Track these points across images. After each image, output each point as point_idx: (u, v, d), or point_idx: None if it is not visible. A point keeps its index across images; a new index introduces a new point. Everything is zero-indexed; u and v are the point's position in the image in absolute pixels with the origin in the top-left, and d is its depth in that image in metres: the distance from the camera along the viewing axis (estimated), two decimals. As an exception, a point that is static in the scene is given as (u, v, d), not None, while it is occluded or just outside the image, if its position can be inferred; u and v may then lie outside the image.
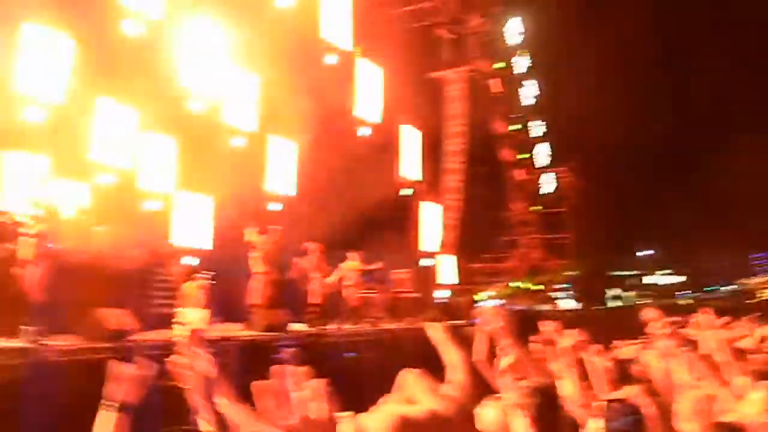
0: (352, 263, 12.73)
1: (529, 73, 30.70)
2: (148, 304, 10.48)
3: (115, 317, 8.34)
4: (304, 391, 1.52)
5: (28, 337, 7.55)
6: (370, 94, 15.63)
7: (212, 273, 12.27)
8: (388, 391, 3.17)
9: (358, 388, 3.90)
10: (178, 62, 12.01)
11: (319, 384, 1.68)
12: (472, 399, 2.77)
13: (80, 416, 6.74)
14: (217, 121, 12.79)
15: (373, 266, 13.03)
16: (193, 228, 12.97)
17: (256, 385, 1.58)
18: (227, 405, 2.39)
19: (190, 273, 12.38)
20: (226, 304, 12.36)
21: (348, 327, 12.08)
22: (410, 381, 2.69)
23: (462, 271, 21.12)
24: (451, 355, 2.83)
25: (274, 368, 2.16)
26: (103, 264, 9.55)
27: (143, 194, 12.19)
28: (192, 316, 2.55)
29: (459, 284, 20.68)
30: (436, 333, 2.97)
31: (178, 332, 2.41)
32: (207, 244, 13.09)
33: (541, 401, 2.89)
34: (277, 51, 12.63)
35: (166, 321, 10.73)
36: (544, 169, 31.13)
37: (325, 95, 13.77)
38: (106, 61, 11.03)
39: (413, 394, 2.63)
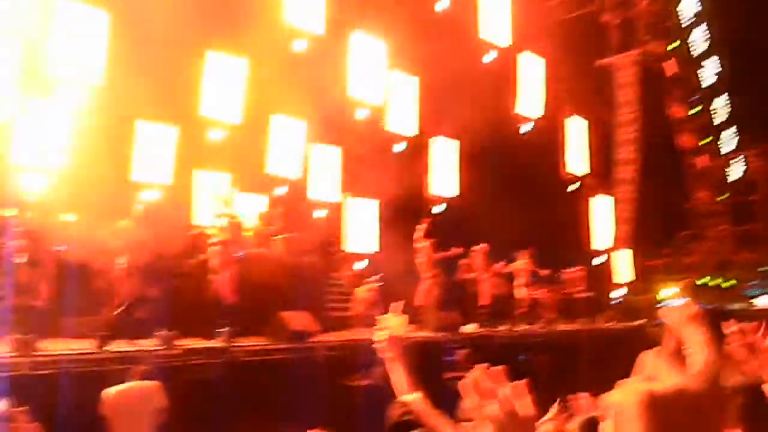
0: (522, 263, 12.44)
1: (709, 51, 28.05)
2: (325, 307, 10.97)
3: (298, 319, 8.82)
4: (506, 388, 1.54)
5: (221, 339, 8.24)
6: (532, 88, 15.22)
7: (379, 275, 12.65)
8: (566, 394, 3.00)
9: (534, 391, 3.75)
10: (343, 74, 12.49)
11: (520, 383, 1.70)
12: (718, 375, 2.55)
13: (268, 411, 7.21)
14: (381, 127, 13.12)
15: (542, 271, 12.65)
16: (361, 233, 13.43)
17: (463, 383, 1.64)
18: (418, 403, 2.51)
19: (361, 276, 12.85)
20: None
21: (520, 328, 11.80)
22: (650, 360, 2.52)
23: (639, 268, 19.79)
24: (693, 334, 2.61)
25: (478, 366, 2.17)
26: (283, 269, 10.16)
27: (314, 203, 12.81)
28: (392, 322, 2.62)
29: (636, 282, 19.43)
30: (673, 315, 2.75)
31: (378, 336, 2.53)
32: (374, 247, 13.48)
33: (745, 402, 2.63)
34: (436, 53, 12.69)
35: (342, 323, 11.22)
36: (731, 154, 28.32)
37: (486, 94, 13.60)
38: (276, 79, 11.74)
39: (655, 372, 2.47)
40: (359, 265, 13.10)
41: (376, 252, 13.47)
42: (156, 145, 10.89)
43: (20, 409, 1.72)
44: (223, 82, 11.41)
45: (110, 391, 5.88)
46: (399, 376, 2.59)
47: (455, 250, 11.50)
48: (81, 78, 9.80)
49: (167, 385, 6.19)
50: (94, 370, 6.99)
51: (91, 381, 6.49)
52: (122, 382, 6.05)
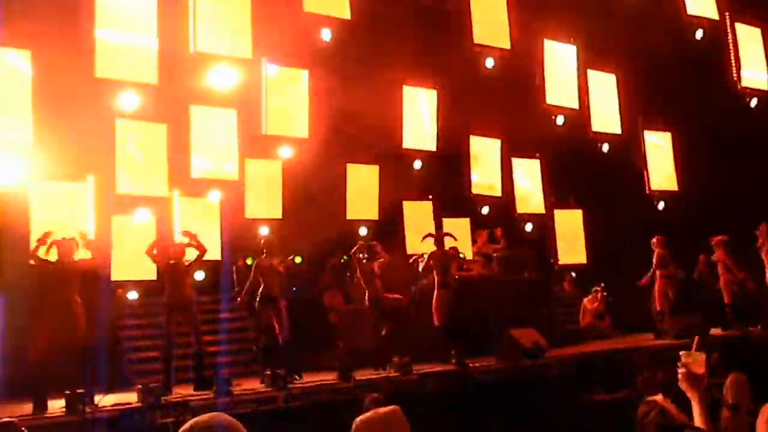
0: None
1: None
2: (551, 321, 10.58)
3: (527, 336, 8.58)
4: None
5: (455, 361, 8.24)
6: (754, 60, 13.66)
7: (602, 285, 11.96)
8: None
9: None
10: (536, 84, 12.21)
11: None
12: None
13: (507, 428, 6.99)
14: (583, 131, 12.57)
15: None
16: (570, 243, 12.85)
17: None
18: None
19: (582, 287, 12.26)
20: (624, 313, 11.86)
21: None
22: None
23: None
24: None
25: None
26: (505, 287, 10.00)
27: (522, 217, 12.51)
28: (692, 358, 2.60)
29: None
30: None
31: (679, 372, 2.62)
32: (582, 258, 12.82)
33: None
34: (634, 43, 11.94)
35: (570, 337, 10.72)
36: None
37: (700, 75, 12.46)
38: (470, 102, 11.78)
39: None
40: (573, 275, 12.52)
41: (588, 263, 12.80)
42: (364, 184, 11.40)
43: None
44: (420, 113, 11.71)
45: (358, 420, 6.06)
46: (695, 411, 2.66)
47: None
48: (290, 133, 10.61)
49: (407, 410, 6.26)
50: (339, 399, 7.33)
51: (337, 410, 6.78)
52: (363, 409, 6.21)
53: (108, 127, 8.99)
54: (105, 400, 6.49)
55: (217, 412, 1.74)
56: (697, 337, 2.82)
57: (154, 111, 9.23)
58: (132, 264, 9.09)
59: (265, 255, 8.48)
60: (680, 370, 2.66)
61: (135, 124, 9.28)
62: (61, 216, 8.50)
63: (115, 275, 8.99)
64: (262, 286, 8.29)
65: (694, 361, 2.64)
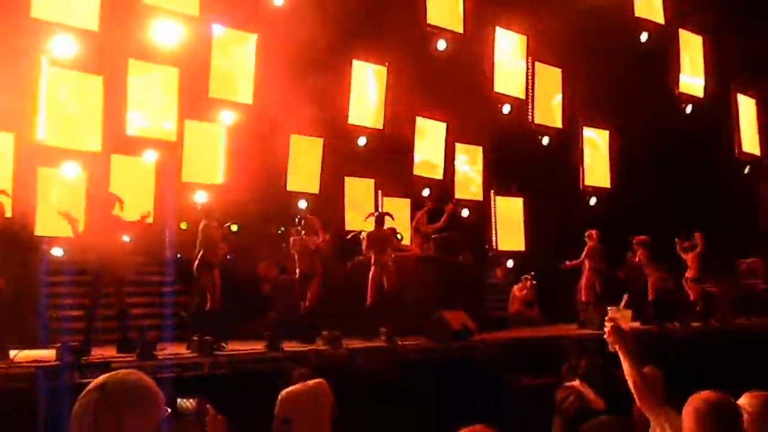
0: (691, 254, 11.49)
1: None
2: (482, 306, 10.77)
3: (457, 318, 8.70)
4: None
5: (383, 339, 8.29)
6: (693, 67, 14.16)
7: (533, 273, 12.26)
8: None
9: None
10: (485, 71, 12.31)
11: None
12: None
13: (431, 410, 7.13)
14: (526, 121, 12.78)
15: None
16: (509, 231, 13.13)
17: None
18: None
19: (515, 274, 12.53)
20: (551, 302, 12.21)
21: (694, 325, 10.88)
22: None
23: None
24: None
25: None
26: (439, 268, 10.10)
27: (461, 202, 12.66)
28: (618, 314, 2.66)
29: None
30: None
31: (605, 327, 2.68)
32: (521, 245, 13.13)
33: None
34: (582, 39, 12.17)
35: (499, 322, 10.95)
36: None
37: (641, 76, 12.83)
38: (418, 82, 11.78)
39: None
40: (510, 263, 12.79)
41: (524, 250, 13.10)
42: (307, 157, 11.27)
43: (207, 404, 1.76)
44: (368, 89, 11.63)
45: (285, 392, 6.01)
46: (624, 367, 2.73)
47: None
48: (234, 98, 10.35)
49: (334, 384, 6.26)
50: (266, 369, 7.25)
51: (263, 380, 6.72)
52: (290, 381, 6.17)
53: (39, 73, 8.54)
54: (21, 356, 6.22)
55: (132, 370, 1.67)
56: (626, 295, 2.95)
57: (90, 61, 8.82)
58: (58, 219, 8.73)
59: (206, 220, 8.27)
60: (607, 324, 2.76)
61: (69, 73, 8.85)
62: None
63: (40, 230, 8.61)
64: (202, 251, 8.09)
65: (622, 316, 2.77)
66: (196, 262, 8.08)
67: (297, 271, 8.99)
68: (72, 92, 9.00)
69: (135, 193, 9.36)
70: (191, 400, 1.74)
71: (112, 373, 1.63)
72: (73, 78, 8.96)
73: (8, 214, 7.42)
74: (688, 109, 13.88)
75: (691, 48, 14.35)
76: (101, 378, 1.61)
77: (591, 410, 4.35)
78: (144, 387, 1.61)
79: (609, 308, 2.84)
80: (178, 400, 1.73)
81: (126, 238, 8.30)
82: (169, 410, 1.66)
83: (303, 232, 9.05)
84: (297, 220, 9.34)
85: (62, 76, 8.86)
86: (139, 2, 9.02)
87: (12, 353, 6.23)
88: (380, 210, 10.41)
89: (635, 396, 2.71)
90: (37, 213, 8.59)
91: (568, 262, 11.09)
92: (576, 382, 4.52)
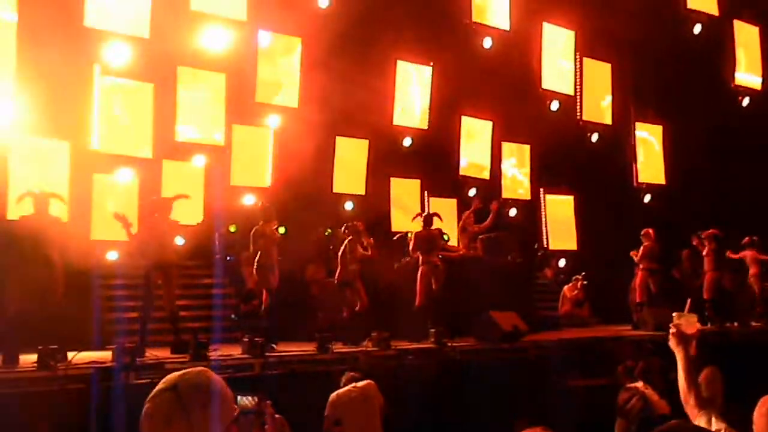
0: (750, 252, 11.08)
1: None
2: (532, 306, 10.60)
3: (507, 319, 8.58)
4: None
5: (432, 340, 8.23)
6: (749, 58, 13.67)
7: (584, 273, 12.01)
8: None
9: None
10: (532, 68, 12.12)
11: None
12: None
13: (481, 410, 7.03)
14: (575, 118, 12.54)
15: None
16: (560, 230, 12.91)
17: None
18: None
19: (566, 274, 12.29)
20: (603, 303, 11.95)
21: (755, 325, 10.48)
22: None
23: None
24: None
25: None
26: (487, 269, 9.98)
27: (510, 202, 12.50)
28: (684, 318, 2.66)
29: None
30: None
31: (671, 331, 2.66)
32: (573, 244, 12.88)
33: None
34: (631, 33, 11.87)
35: (549, 323, 10.76)
36: None
37: (694, 70, 12.45)
38: (464, 81, 11.68)
39: None
40: (561, 263, 12.56)
41: (577, 250, 12.85)
42: (352, 158, 11.29)
43: (267, 402, 1.73)
44: (413, 89, 11.59)
45: (335, 394, 6.01)
46: (678, 370, 2.76)
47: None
48: (280, 102, 10.44)
49: (383, 386, 6.22)
50: (316, 370, 7.27)
51: (314, 381, 6.73)
52: (340, 382, 6.16)
53: (92, 82, 8.77)
54: (78, 358, 6.38)
55: (204, 368, 1.66)
56: (689, 299, 2.92)
57: (141, 68, 9.02)
58: (112, 224, 8.94)
59: (263, 222, 8.37)
60: (671, 330, 2.76)
61: (120, 81, 9.07)
62: (38, 172, 8.31)
63: (95, 234, 8.84)
64: (260, 253, 8.19)
65: (686, 321, 2.78)
66: (255, 264, 8.18)
67: (336, 277, 8.97)
68: (124, 100, 9.23)
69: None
70: (251, 398, 1.73)
71: (184, 371, 1.63)
72: (124, 86, 9.18)
73: (65, 218, 7.63)
74: (745, 102, 13.39)
75: (747, 39, 13.84)
76: (173, 377, 1.61)
77: (655, 413, 4.21)
78: (215, 387, 1.60)
79: (674, 314, 2.82)
80: (238, 397, 1.72)
81: (180, 241, 8.46)
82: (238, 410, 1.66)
83: (349, 237, 9.04)
84: (343, 228, 9.35)
85: (114, 84, 9.09)
86: (188, 9, 9.17)
87: (70, 355, 6.39)
88: (427, 210, 10.34)
89: (681, 398, 2.72)
90: (93, 218, 8.81)
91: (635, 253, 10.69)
92: (639, 384, 4.38)
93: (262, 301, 8.26)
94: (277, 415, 1.78)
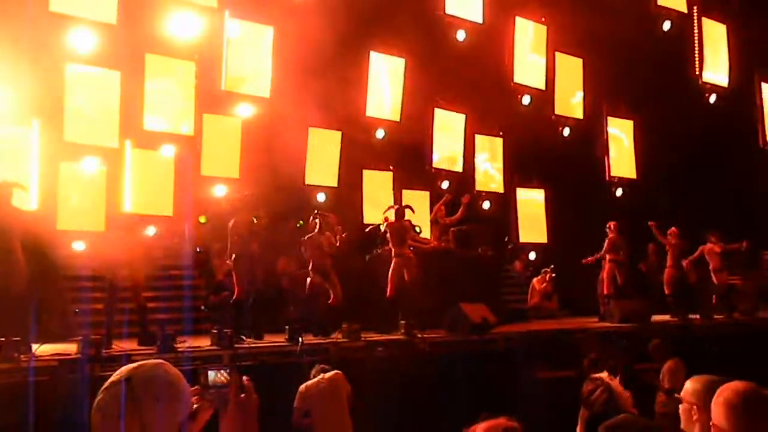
0: (712, 245, 11.31)
1: None
2: (501, 299, 10.69)
3: (476, 311, 8.64)
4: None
5: (402, 332, 8.25)
6: (717, 56, 13.89)
7: (552, 266, 12.14)
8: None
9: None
10: (505, 62, 12.17)
11: None
12: None
13: (450, 402, 7.09)
14: (547, 113, 12.63)
15: (736, 246, 11.34)
16: (531, 223, 13.01)
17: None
18: None
19: (534, 267, 12.41)
20: (572, 295, 12.10)
21: (717, 318, 10.71)
22: None
23: None
24: None
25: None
26: (458, 261, 10.03)
27: (481, 195, 12.56)
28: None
29: None
30: None
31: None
32: (543, 238, 13.00)
33: None
34: (603, 29, 11.97)
35: (518, 315, 10.86)
36: None
37: (664, 66, 12.61)
38: (437, 74, 11.68)
39: None
40: (531, 256, 12.67)
41: (546, 243, 12.96)
42: (325, 150, 11.23)
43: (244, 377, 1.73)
44: (386, 81, 11.56)
45: (304, 386, 6.02)
46: None
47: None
48: (251, 91, 10.33)
49: (353, 377, 6.24)
50: (286, 362, 7.26)
51: (284, 373, 6.72)
52: (309, 373, 6.17)
53: (59, 69, 8.59)
54: (42, 350, 6.27)
55: (160, 361, 1.64)
56: None
57: (108, 56, 8.85)
58: (79, 214, 8.79)
59: (244, 212, 8.30)
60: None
61: (87, 69, 8.89)
62: (5, 160, 8.12)
63: (61, 225, 8.68)
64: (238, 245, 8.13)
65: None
66: (232, 255, 8.11)
67: (309, 270, 8.90)
68: (91, 88, 9.04)
69: (154, 188, 9.41)
70: (224, 372, 1.70)
71: (139, 364, 1.60)
72: (91, 74, 8.99)
73: (31, 208, 7.46)
74: (712, 98, 13.62)
75: (715, 36, 14.07)
76: (126, 369, 1.57)
77: (619, 403, 4.28)
78: (170, 380, 1.57)
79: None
80: (210, 372, 1.69)
81: (150, 232, 8.35)
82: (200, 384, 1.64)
83: (318, 228, 8.97)
84: (313, 215, 9.27)
85: (81, 72, 8.90)
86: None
87: (34, 347, 6.29)
88: (400, 203, 10.34)
89: None
90: (59, 208, 8.65)
91: (589, 258, 10.96)
92: (604, 374, 4.44)
93: (234, 292, 8.20)
94: (253, 395, 1.74)
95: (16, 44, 7.89)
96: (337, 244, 8.89)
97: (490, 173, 12.94)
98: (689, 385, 2.64)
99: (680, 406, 2.66)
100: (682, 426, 2.64)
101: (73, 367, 5.97)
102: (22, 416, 5.33)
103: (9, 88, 7.98)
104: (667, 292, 10.91)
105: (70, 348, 6.49)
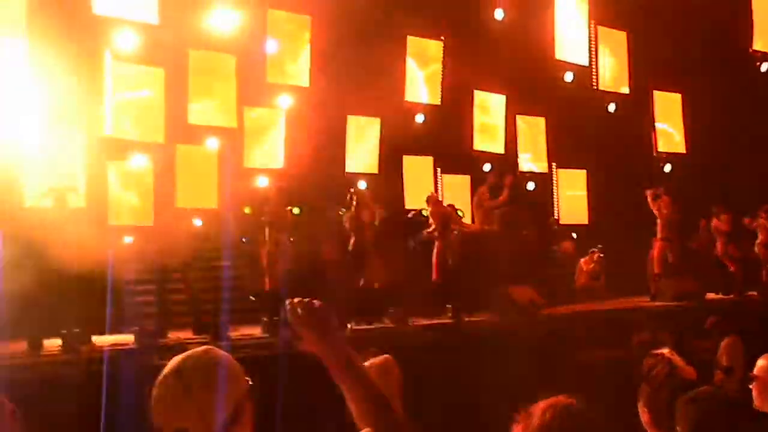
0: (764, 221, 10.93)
1: None
2: (547, 280, 10.57)
3: (523, 293, 8.58)
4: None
5: (449, 315, 8.26)
6: (765, 22, 13.33)
7: (600, 246, 11.94)
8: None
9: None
10: (545, 39, 11.92)
11: None
12: None
13: (499, 384, 7.08)
14: (590, 88, 12.35)
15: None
16: (572, 204, 12.82)
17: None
18: None
19: (580, 248, 12.22)
20: (621, 275, 11.88)
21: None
22: None
23: None
24: None
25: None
26: (504, 244, 9.96)
27: (524, 176, 12.40)
28: None
29: None
30: None
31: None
32: (584, 219, 12.79)
33: None
34: (649, 1, 11.61)
35: (566, 296, 10.73)
36: None
37: (712, 35, 12.15)
38: (475, 55, 11.53)
39: None
40: (573, 236, 12.47)
41: (587, 222, 12.75)
42: (364, 137, 11.25)
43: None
44: (424, 65, 11.47)
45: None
46: None
47: None
48: (291, 81, 10.40)
49: (401, 360, 6.25)
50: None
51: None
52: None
53: (103, 70, 8.80)
54: (102, 341, 6.49)
55: (207, 347, 1.68)
56: None
57: (151, 54, 9.02)
58: (130, 209, 9.03)
59: (277, 204, 8.42)
60: None
61: (131, 67, 9.08)
62: (53, 160, 8.38)
63: (112, 220, 8.92)
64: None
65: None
66: (268, 246, 8.23)
67: (350, 247, 8.97)
68: (135, 85, 9.24)
69: (199, 181, 9.59)
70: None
71: (188, 353, 1.64)
72: (135, 71, 9.19)
73: (82, 204, 7.69)
74: (764, 67, 13.09)
75: (765, 2, 13.50)
76: (177, 360, 1.62)
77: (682, 378, 4.19)
78: (221, 365, 1.61)
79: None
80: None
81: (197, 224, 8.51)
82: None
83: (354, 206, 9.03)
84: (348, 195, 9.34)
85: (125, 70, 9.10)
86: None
87: (94, 338, 6.50)
88: (440, 189, 10.29)
89: None
90: (109, 204, 8.89)
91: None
92: (665, 350, 4.37)
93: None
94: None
95: (60, 47, 8.10)
96: (376, 221, 8.92)
97: (534, 148, 12.73)
98: (762, 362, 2.60)
99: (753, 383, 2.62)
100: (756, 403, 2.59)
101: (131, 357, 6.16)
102: (84, 407, 5.53)
103: (54, 91, 8.21)
104: (732, 268, 10.56)
105: (127, 339, 6.69)
